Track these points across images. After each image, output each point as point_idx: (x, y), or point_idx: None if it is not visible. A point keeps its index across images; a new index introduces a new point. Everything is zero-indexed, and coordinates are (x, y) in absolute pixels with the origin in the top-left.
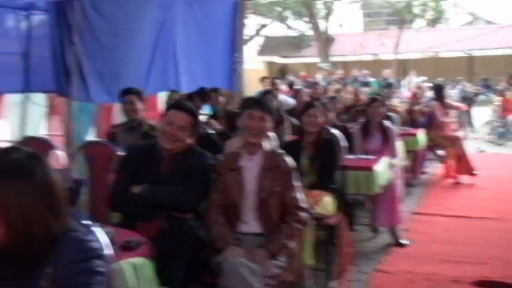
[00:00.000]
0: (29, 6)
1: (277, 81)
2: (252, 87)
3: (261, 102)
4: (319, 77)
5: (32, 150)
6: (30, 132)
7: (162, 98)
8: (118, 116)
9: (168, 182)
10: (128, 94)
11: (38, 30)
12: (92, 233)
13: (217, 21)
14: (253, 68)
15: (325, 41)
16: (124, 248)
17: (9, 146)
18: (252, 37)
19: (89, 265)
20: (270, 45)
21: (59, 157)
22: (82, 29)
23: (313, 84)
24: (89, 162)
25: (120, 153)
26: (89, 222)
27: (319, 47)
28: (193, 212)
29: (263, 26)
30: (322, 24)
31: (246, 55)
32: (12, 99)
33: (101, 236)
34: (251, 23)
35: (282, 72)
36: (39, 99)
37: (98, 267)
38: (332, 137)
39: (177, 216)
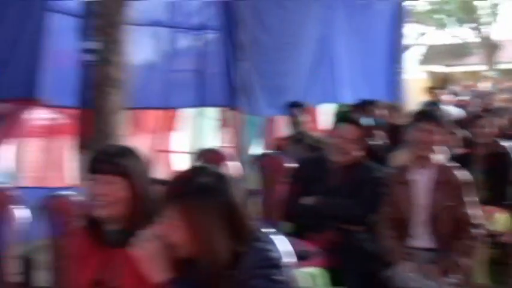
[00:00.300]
0: (201, 27)
1: (440, 91)
2: (414, 97)
3: (430, 115)
4: (485, 85)
5: (219, 171)
6: (204, 144)
7: (322, 110)
8: (282, 129)
9: (337, 194)
10: (291, 107)
11: (210, 48)
12: (272, 242)
13: (377, 32)
14: (415, 77)
15: (491, 47)
16: (300, 257)
17: (199, 166)
18: (412, 46)
19: (268, 272)
20: (432, 54)
21: (232, 168)
22: (249, 45)
23: (482, 94)
24: (261, 174)
25: (291, 165)
26: (270, 230)
27: (484, 54)
28: (362, 224)
29: (422, 34)
30: (487, 30)
31: (407, 65)
32: (187, 113)
33: (281, 245)
34: (411, 31)
35: (444, 81)
36: (212, 112)
37: (276, 275)
38: (504, 150)
39: (346, 229)
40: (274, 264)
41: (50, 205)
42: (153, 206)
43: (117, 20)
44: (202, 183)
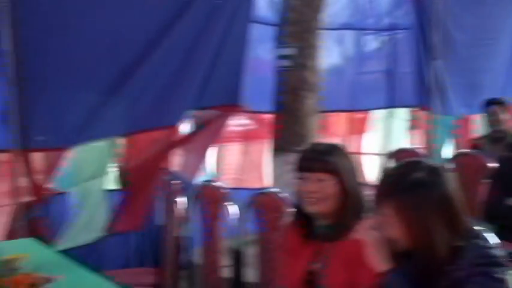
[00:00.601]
0: (392, 27)
1: None
2: None
3: None
4: None
5: (433, 165)
6: (394, 145)
7: None
8: (476, 128)
9: None
10: (491, 105)
11: (400, 48)
12: (488, 239)
13: None
14: None
15: None
16: (509, 260)
17: (412, 161)
18: None
19: (489, 270)
20: None
21: None
22: (442, 43)
23: None
24: (458, 174)
25: (491, 164)
26: (483, 228)
27: None
28: None
29: None
30: None
31: None
32: (378, 114)
33: (496, 244)
34: None
35: None
36: (402, 113)
37: (496, 273)
38: None
39: None
40: (495, 262)
41: (258, 202)
42: (362, 202)
43: (312, 25)
44: (417, 178)
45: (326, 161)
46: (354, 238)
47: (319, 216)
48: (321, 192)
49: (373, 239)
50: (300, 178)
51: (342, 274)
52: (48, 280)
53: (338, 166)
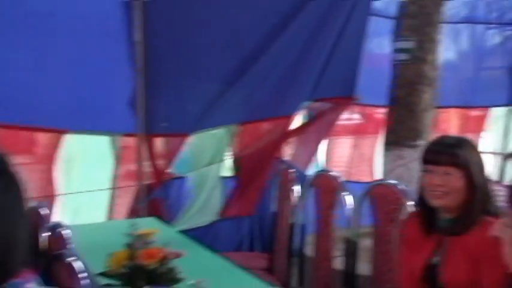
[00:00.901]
0: None
1: None
2: None
3: None
4: None
5: None
6: None
7: None
8: None
9: None
10: None
11: None
12: None
13: None
14: None
15: None
16: None
17: None
18: None
19: None
20: None
21: None
22: None
23: None
24: None
25: None
26: None
27: None
28: None
29: None
30: None
31: None
32: (497, 112)
33: None
34: None
35: None
36: None
37: None
38: None
39: None
40: None
41: (375, 193)
42: (489, 197)
43: (434, 19)
44: None
45: (455, 154)
46: (479, 233)
47: (443, 209)
48: (447, 186)
49: (510, 237)
50: (425, 171)
51: (463, 269)
52: (177, 255)
53: (467, 159)
